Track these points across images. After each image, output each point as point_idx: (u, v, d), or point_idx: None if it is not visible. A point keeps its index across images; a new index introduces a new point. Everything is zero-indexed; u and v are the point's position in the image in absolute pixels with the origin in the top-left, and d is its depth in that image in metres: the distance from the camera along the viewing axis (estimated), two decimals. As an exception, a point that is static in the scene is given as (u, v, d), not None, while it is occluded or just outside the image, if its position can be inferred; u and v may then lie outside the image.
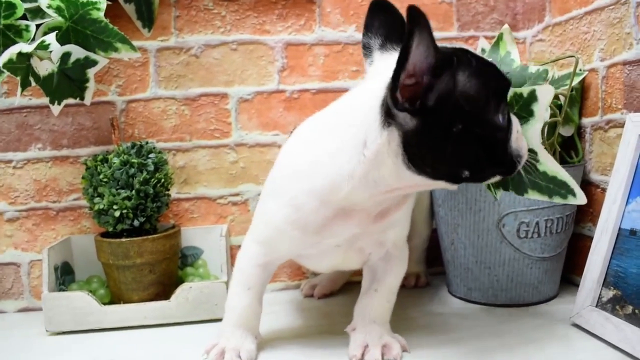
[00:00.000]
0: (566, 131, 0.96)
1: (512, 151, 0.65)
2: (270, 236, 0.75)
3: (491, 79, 0.64)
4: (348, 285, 1.07)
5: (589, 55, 0.95)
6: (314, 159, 0.69)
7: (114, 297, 0.95)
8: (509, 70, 0.83)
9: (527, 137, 0.70)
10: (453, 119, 0.60)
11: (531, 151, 0.71)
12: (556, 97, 0.95)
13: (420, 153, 0.62)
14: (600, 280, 0.80)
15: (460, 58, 0.62)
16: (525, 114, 0.72)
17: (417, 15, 0.56)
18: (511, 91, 0.73)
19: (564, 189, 0.70)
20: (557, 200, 0.70)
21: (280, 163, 0.76)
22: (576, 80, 0.92)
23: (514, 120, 0.67)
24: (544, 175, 0.71)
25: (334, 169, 0.66)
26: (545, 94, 0.71)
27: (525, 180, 0.72)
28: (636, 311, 0.73)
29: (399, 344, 0.75)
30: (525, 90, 0.72)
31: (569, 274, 1.00)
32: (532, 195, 0.72)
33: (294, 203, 0.70)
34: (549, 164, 0.71)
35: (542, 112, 0.71)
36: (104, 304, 0.91)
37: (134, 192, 0.89)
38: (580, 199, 0.70)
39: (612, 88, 0.89)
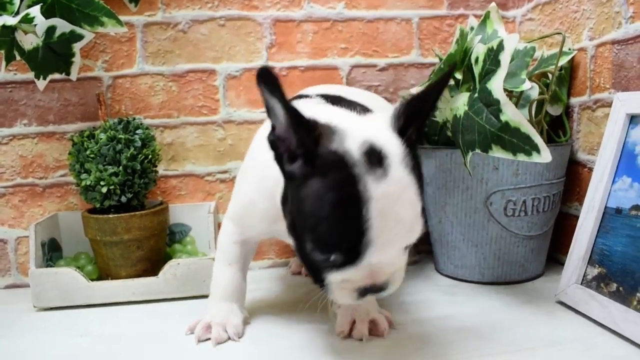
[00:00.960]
0: (554, 110, 0.97)
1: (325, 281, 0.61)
2: (242, 214, 0.76)
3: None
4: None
5: (578, 34, 0.95)
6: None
7: (102, 274, 0.95)
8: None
9: (492, 87, 0.72)
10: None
11: (495, 101, 0.72)
12: (545, 75, 0.95)
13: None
14: (585, 258, 0.80)
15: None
16: (494, 66, 0.74)
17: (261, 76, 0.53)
18: (484, 47, 0.75)
19: (528, 145, 0.70)
20: (522, 157, 0.70)
21: (252, 148, 0.77)
22: (565, 60, 0.93)
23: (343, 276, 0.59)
24: (507, 126, 0.71)
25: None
26: (510, 41, 0.74)
27: (489, 134, 0.72)
28: (620, 289, 0.74)
29: (386, 320, 0.75)
30: (495, 43, 0.75)
31: (555, 253, 1.01)
32: (497, 152, 0.72)
33: (260, 184, 0.70)
34: (510, 114, 0.71)
35: (507, 60, 0.73)
36: (92, 280, 0.91)
37: (121, 168, 0.89)
38: (545, 156, 0.69)
39: (601, 67, 0.89)
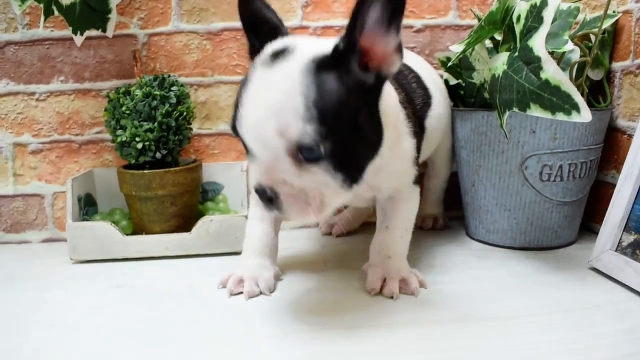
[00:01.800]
0: (595, 75, 0.94)
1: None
2: None
3: None
4: (366, 225, 1.08)
5: (623, -5, 0.92)
6: None
7: (136, 228, 0.97)
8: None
9: (534, 44, 0.71)
10: None
11: (536, 59, 0.71)
12: (587, 38, 0.92)
13: None
14: (621, 225, 0.79)
15: None
16: (536, 24, 0.72)
17: None
18: (527, 4, 0.74)
19: (567, 103, 0.68)
20: (561, 116, 0.68)
21: None
22: (609, 22, 0.90)
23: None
24: (547, 83, 0.69)
25: None
26: None
27: (527, 93, 0.71)
28: (657, 255, 0.72)
29: (417, 279, 0.76)
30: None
31: (589, 221, 1.00)
32: (535, 111, 0.71)
33: None
34: (551, 71, 0.69)
35: (550, 16, 0.71)
36: (126, 234, 0.93)
37: (156, 124, 0.90)
38: (585, 116, 0.67)
39: (646, 30, 0.87)
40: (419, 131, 0.79)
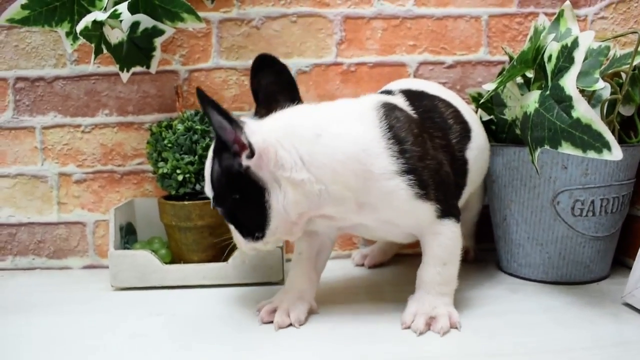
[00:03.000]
0: (626, 111, 0.95)
1: None
2: None
3: None
4: (398, 257, 1.10)
5: (654, 33, 0.93)
6: None
7: (175, 257, 1.00)
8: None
9: (565, 83, 0.73)
10: None
11: (567, 97, 0.72)
12: (617, 75, 0.94)
13: None
14: (655, 261, 0.79)
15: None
16: (568, 64, 0.74)
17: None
18: (558, 45, 0.76)
19: (599, 142, 0.69)
20: (592, 154, 0.69)
21: None
22: (639, 59, 0.91)
23: None
24: (578, 122, 0.71)
25: None
26: (585, 39, 0.73)
27: (559, 131, 0.73)
28: (691, 292, 0.73)
29: (448, 319, 0.75)
30: (569, 40, 0.75)
31: (621, 256, 1.00)
32: (566, 149, 0.72)
33: None
34: (582, 110, 0.70)
35: (581, 57, 0.73)
36: (165, 263, 0.96)
37: (196, 157, 0.93)
38: (616, 154, 0.68)
39: (677, 68, 0.88)
40: (438, 165, 0.77)
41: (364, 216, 0.76)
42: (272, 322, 0.78)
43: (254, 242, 0.77)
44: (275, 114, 0.77)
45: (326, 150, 0.72)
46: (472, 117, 0.92)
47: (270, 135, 0.72)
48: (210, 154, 0.77)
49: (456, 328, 0.75)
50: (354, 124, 0.74)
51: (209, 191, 0.77)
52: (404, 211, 0.74)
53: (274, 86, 0.82)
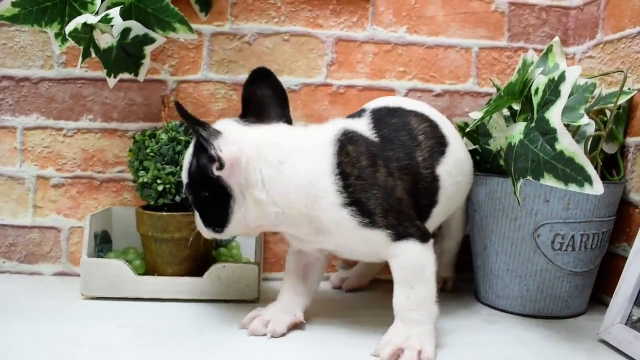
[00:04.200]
0: (610, 149, 0.96)
1: None
2: None
3: None
4: (376, 282, 1.09)
5: (639, 75, 0.95)
6: None
7: (149, 269, 0.98)
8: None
9: (550, 116, 0.73)
10: None
11: (552, 130, 0.72)
12: (603, 113, 0.95)
13: None
14: (632, 299, 0.79)
15: None
16: (554, 97, 0.74)
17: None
18: (545, 78, 0.77)
19: (581, 176, 0.69)
20: (573, 188, 0.70)
21: None
22: (624, 99, 0.92)
23: None
24: (561, 155, 0.71)
25: None
26: (573, 73, 0.74)
27: (542, 162, 0.73)
28: (667, 332, 0.72)
29: (417, 354, 0.72)
30: (557, 74, 0.75)
31: (599, 293, 1.00)
32: (549, 181, 0.72)
33: None
34: (566, 143, 0.71)
35: (567, 91, 0.73)
36: (139, 274, 0.94)
37: (178, 168, 0.92)
38: (598, 189, 0.68)
39: (661, 109, 0.89)
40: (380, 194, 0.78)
41: (323, 239, 0.80)
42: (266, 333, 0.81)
43: (214, 232, 0.82)
44: (261, 126, 0.82)
45: (283, 178, 0.77)
46: (452, 131, 0.92)
47: (246, 149, 0.77)
48: (192, 144, 0.81)
49: None
50: (312, 157, 0.78)
51: (184, 177, 0.82)
52: (355, 238, 0.77)
53: (268, 99, 0.85)
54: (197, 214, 0.83)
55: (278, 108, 0.85)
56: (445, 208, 0.89)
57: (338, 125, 0.83)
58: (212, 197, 0.78)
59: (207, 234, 0.83)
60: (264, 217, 0.79)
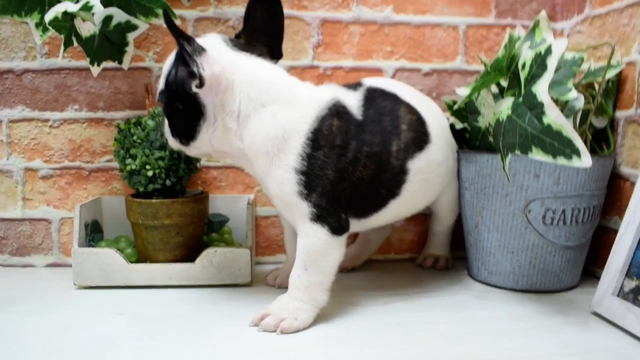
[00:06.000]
0: (599, 122, 0.96)
1: None
2: None
3: None
4: (369, 262, 1.09)
5: (627, 48, 0.94)
6: None
7: (141, 257, 0.98)
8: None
9: (537, 90, 0.73)
10: None
11: (539, 104, 0.72)
12: (592, 86, 0.94)
13: None
14: (623, 270, 0.80)
15: None
16: (541, 70, 0.74)
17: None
18: (532, 52, 0.76)
19: (568, 148, 0.69)
20: (561, 161, 0.70)
21: None
22: (613, 72, 0.92)
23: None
24: (549, 128, 0.71)
25: None
26: (558, 46, 0.74)
27: (529, 136, 0.73)
28: (658, 302, 0.73)
29: (278, 321, 0.76)
30: (543, 47, 0.75)
31: (591, 266, 1.00)
32: (536, 155, 0.72)
33: None
34: (553, 117, 0.71)
35: (554, 64, 0.73)
36: (131, 262, 0.93)
37: (167, 152, 0.92)
38: (586, 161, 0.68)
39: (649, 81, 0.89)
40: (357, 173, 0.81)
41: (266, 191, 0.85)
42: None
43: (179, 144, 0.83)
44: (252, 56, 0.81)
45: (258, 120, 0.78)
46: (439, 133, 0.91)
47: (230, 73, 0.77)
48: (174, 52, 0.81)
49: (284, 333, 0.75)
50: (294, 113, 0.79)
51: (161, 83, 0.82)
52: (283, 197, 0.79)
53: (264, 23, 0.84)
54: (165, 121, 0.84)
55: (271, 37, 0.84)
56: (409, 203, 0.89)
57: (332, 92, 0.83)
58: (185, 110, 0.79)
59: (173, 143, 0.84)
60: (227, 145, 0.81)
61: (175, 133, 0.83)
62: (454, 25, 1.12)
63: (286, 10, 1.06)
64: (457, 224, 1.06)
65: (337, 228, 0.78)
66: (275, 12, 0.84)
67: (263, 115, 0.78)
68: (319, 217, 0.77)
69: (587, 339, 0.73)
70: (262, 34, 0.84)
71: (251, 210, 0.99)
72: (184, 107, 0.79)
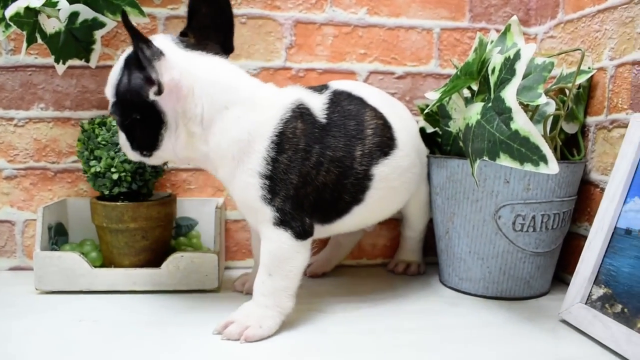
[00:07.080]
0: (570, 128, 0.96)
1: None
2: None
3: None
4: (340, 268, 1.08)
5: (598, 53, 0.94)
6: None
7: (106, 261, 0.96)
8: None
9: (506, 95, 0.73)
10: None
11: (507, 109, 0.72)
12: (562, 92, 0.94)
13: None
14: (591, 278, 0.79)
15: None
16: (509, 75, 0.74)
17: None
18: (501, 57, 0.76)
19: (536, 155, 0.68)
20: (529, 167, 0.69)
21: None
22: (584, 78, 0.92)
23: None
24: (516, 134, 0.70)
25: None
26: (527, 50, 0.73)
27: (497, 142, 0.72)
28: (625, 310, 0.72)
29: (242, 329, 0.74)
30: (512, 52, 0.75)
31: (561, 272, 1.00)
32: (504, 161, 0.72)
33: None
34: (521, 122, 0.70)
35: (522, 69, 0.73)
36: (96, 267, 0.91)
37: (132, 156, 0.89)
38: (552, 168, 0.67)
39: (620, 88, 0.89)
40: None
41: (231, 195, 0.82)
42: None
43: (141, 156, 0.80)
44: (206, 55, 0.78)
45: (222, 125, 0.76)
46: (407, 139, 0.90)
47: (188, 78, 0.74)
48: (122, 58, 0.78)
49: (249, 341, 0.73)
50: (259, 115, 0.77)
51: (109, 95, 0.78)
52: (246, 202, 0.78)
53: (211, 19, 0.81)
54: (122, 135, 0.80)
55: (221, 35, 0.82)
56: (373, 209, 0.88)
57: (296, 94, 0.82)
58: (143, 120, 0.76)
59: (134, 156, 0.81)
60: (192, 150, 0.79)
61: (135, 145, 0.79)
62: (428, 28, 1.11)
63: (258, 10, 1.06)
64: (429, 229, 1.05)
65: (301, 233, 0.77)
66: (222, 7, 0.81)
67: (227, 118, 0.76)
68: (283, 221, 0.76)
69: (556, 347, 0.73)
70: (212, 30, 0.81)
71: (220, 214, 0.98)
72: (142, 116, 0.75)
